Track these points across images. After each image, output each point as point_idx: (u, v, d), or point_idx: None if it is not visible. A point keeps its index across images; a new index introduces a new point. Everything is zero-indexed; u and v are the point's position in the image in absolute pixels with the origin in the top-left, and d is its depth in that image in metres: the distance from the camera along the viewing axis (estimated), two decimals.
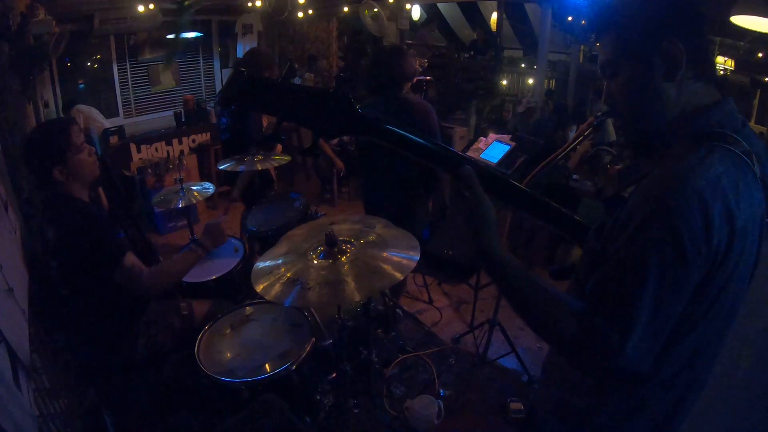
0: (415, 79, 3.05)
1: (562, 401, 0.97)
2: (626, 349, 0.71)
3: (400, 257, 1.49)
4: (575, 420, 0.95)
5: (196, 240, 1.81)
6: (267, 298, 1.40)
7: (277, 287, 1.41)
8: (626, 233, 0.74)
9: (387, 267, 1.44)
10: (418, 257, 1.48)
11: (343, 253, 1.53)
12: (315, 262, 1.52)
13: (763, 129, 4.84)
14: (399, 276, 1.41)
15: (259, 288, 1.42)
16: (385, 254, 1.51)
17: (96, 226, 1.56)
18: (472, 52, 6.66)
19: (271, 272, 1.49)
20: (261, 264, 1.57)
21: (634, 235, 0.73)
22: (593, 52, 6.98)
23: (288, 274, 1.45)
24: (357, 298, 1.38)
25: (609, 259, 0.77)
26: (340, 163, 4.57)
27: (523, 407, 2.13)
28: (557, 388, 1.00)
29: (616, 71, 0.84)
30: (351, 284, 1.38)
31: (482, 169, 0.92)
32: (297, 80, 6.53)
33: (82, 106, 4.58)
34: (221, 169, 2.65)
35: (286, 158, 2.73)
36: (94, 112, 4.67)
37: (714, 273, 0.73)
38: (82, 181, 1.64)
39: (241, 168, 2.57)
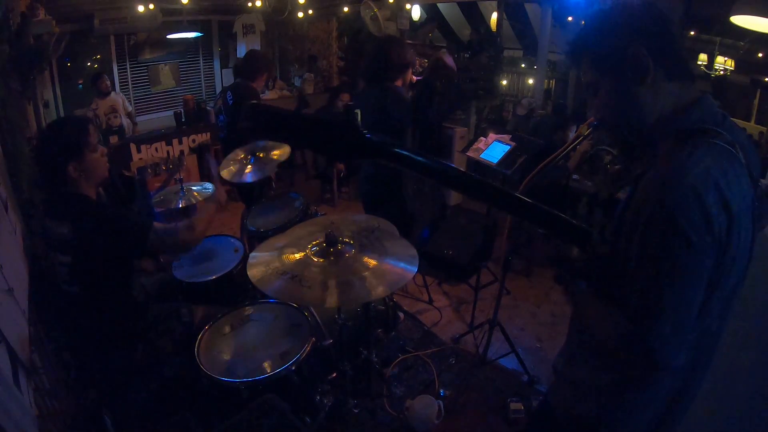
0: (415, 78, 3.05)
1: (579, 398, 1.02)
2: (659, 345, 0.78)
3: (396, 267, 1.50)
4: (591, 416, 0.99)
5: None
6: (258, 286, 1.43)
7: (267, 276, 1.45)
8: (634, 242, 0.80)
9: (375, 278, 1.45)
10: (415, 268, 1.50)
11: (340, 254, 1.54)
12: (314, 259, 1.53)
13: (763, 129, 4.84)
14: (383, 292, 1.44)
15: (254, 277, 1.46)
16: (378, 263, 1.52)
17: (114, 216, 1.60)
18: (470, 52, 6.67)
19: (267, 264, 1.52)
20: (258, 254, 1.60)
21: (641, 241, 0.79)
22: None
23: (282, 267, 1.48)
24: (333, 303, 1.41)
25: (624, 268, 0.82)
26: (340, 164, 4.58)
27: (523, 407, 2.13)
28: (573, 387, 1.04)
29: (596, 89, 0.91)
30: (333, 288, 1.41)
31: (483, 183, 0.97)
32: (297, 80, 6.53)
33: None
34: (222, 177, 2.66)
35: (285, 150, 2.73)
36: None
37: (720, 259, 0.78)
38: (92, 180, 1.64)
39: (247, 179, 2.55)
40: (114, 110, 4.69)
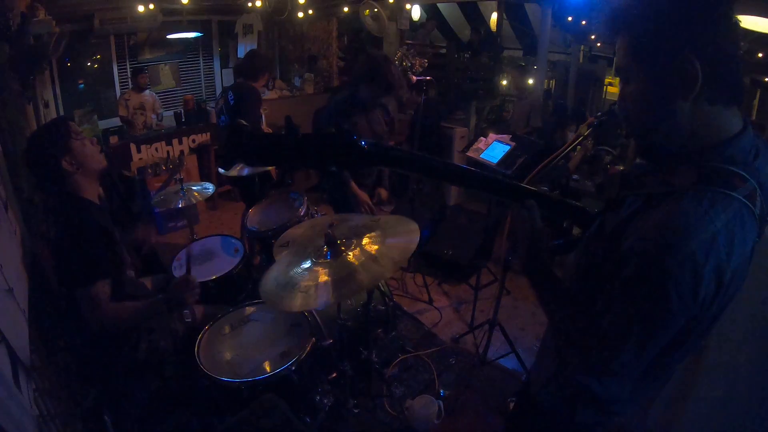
0: (415, 79, 3.05)
1: (555, 376, 1.03)
2: (614, 366, 0.81)
3: (400, 241, 1.53)
4: (566, 392, 1.01)
5: (166, 294, 1.64)
6: (300, 310, 1.46)
7: (303, 297, 1.42)
8: (621, 277, 0.77)
9: (390, 252, 1.49)
10: (417, 238, 1.53)
11: (348, 248, 1.55)
12: (323, 262, 1.53)
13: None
14: (403, 259, 1.47)
15: (295, 306, 1.43)
16: (386, 242, 1.54)
17: (85, 237, 1.52)
18: (470, 52, 6.67)
19: (291, 286, 1.48)
20: (273, 282, 1.54)
21: (626, 283, 0.77)
22: (593, 52, 6.97)
23: (309, 283, 1.46)
24: (388, 275, 1.47)
25: (604, 294, 0.82)
26: None
27: None
28: (551, 363, 1.05)
29: (628, 77, 0.81)
30: (362, 273, 1.42)
31: (484, 175, 1.00)
32: (297, 80, 6.53)
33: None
34: (222, 174, 2.67)
35: None
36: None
37: (698, 316, 0.77)
38: (90, 171, 1.64)
39: (245, 171, 2.57)
40: (143, 107, 4.80)
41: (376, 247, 1.53)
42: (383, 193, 2.76)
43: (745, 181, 0.74)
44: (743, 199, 0.73)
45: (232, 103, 3.13)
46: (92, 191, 1.67)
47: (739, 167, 0.75)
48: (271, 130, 4.27)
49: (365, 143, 0.91)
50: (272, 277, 1.54)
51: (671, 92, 0.75)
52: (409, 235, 1.55)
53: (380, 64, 2.31)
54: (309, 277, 1.48)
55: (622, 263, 0.77)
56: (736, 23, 0.74)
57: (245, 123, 0.95)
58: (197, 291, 1.63)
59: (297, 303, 1.41)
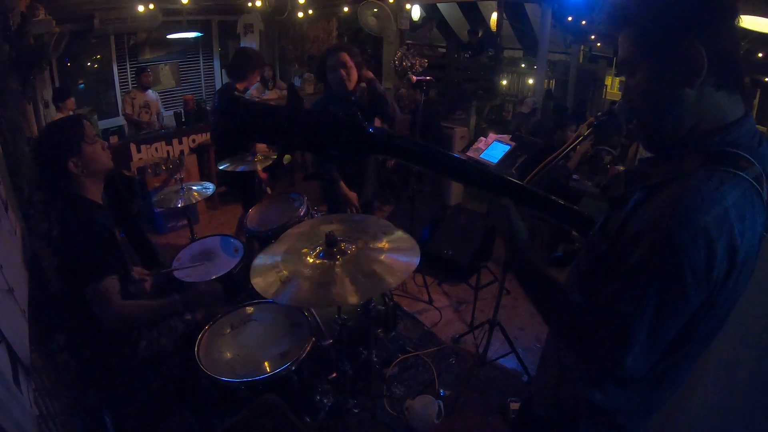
0: (415, 78, 3.05)
1: (556, 388, 1.01)
2: (626, 361, 0.77)
3: (399, 260, 1.50)
4: (568, 407, 0.99)
5: (184, 298, 1.71)
6: (263, 295, 1.43)
7: (274, 285, 1.43)
8: (632, 258, 0.76)
9: (384, 270, 1.46)
10: (417, 260, 1.50)
11: (343, 253, 1.54)
12: (313, 261, 1.53)
13: (763, 129, 4.85)
14: (395, 281, 1.44)
15: (256, 284, 1.45)
16: (383, 257, 1.52)
17: (91, 235, 1.54)
18: (470, 52, 6.68)
19: (270, 269, 1.51)
20: (260, 261, 1.59)
21: (639, 262, 0.75)
22: (593, 52, 6.98)
23: (285, 272, 1.47)
24: (354, 300, 1.39)
25: (614, 278, 0.79)
26: None
27: None
28: (553, 375, 1.03)
29: (634, 69, 0.81)
30: (348, 286, 1.40)
31: (487, 173, 0.98)
32: (297, 80, 6.53)
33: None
34: (221, 169, 2.66)
35: (287, 157, 2.74)
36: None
37: (711, 299, 0.75)
38: (96, 174, 1.64)
39: (241, 168, 2.58)
40: (147, 106, 4.84)
41: (376, 257, 1.52)
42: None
43: (752, 164, 0.74)
44: (752, 180, 0.73)
45: (216, 106, 3.11)
46: (95, 191, 1.68)
47: (743, 151, 0.75)
48: None
49: (372, 129, 0.87)
50: (269, 252, 1.60)
51: (678, 79, 0.76)
52: (407, 262, 1.51)
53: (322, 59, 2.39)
54: (292, 268, 1.49)
55: (633, 245, 0.76)
56: (737, 8, 0.75)
57: (242, 95, 0.92)
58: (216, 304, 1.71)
59: (260, 284, 1.44)
